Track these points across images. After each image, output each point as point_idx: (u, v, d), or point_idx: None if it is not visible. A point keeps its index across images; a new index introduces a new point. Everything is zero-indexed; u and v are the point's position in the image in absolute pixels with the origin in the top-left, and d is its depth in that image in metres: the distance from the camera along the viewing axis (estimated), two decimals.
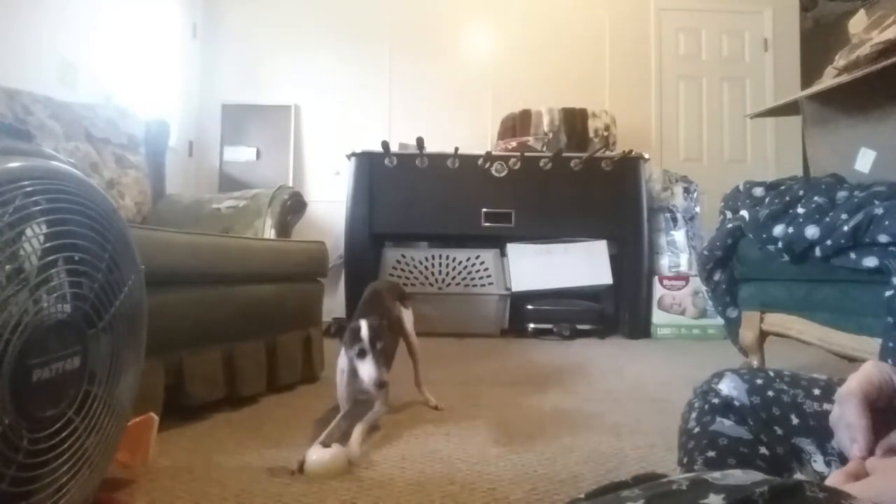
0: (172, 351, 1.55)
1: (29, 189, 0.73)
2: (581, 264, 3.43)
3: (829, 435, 0.57)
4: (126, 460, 1.11)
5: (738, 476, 0.35)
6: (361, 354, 1.36)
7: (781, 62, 4.44)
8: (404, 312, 1.82)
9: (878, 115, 1.84)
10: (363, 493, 1.13)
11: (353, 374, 1.43)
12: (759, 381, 0.72)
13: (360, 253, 3.39)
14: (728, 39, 4.48)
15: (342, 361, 1.49)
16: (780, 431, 0.68)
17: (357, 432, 1.37)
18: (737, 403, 0.71)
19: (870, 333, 1.48)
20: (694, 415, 0.75)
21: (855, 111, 1.93)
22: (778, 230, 1.67)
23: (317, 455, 1.22)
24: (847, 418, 0.50)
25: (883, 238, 1.38)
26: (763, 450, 0.68)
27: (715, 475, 0.35)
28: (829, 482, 0.44)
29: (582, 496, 0.43)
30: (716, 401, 0.73)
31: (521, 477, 1.21)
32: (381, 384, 1.34)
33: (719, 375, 0.75)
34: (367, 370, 1.35)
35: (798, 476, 0.66)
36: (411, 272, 3.44)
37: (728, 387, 0.73)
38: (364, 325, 1.38)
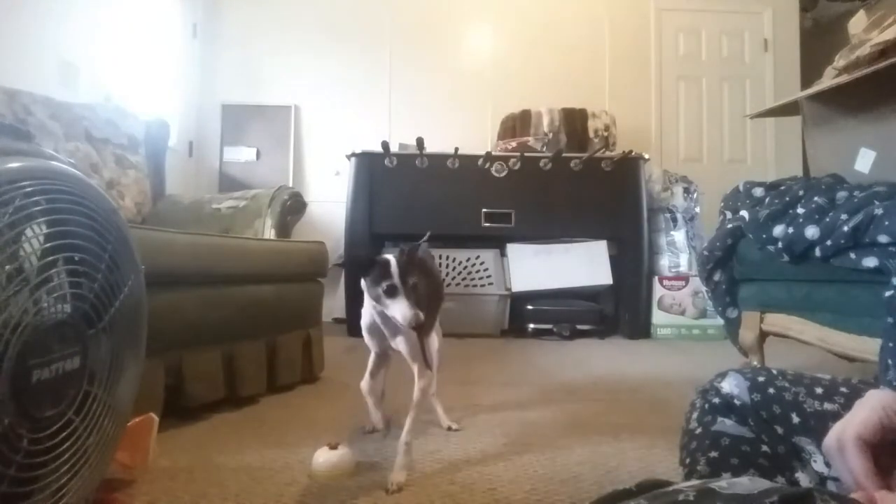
0: (172, 351, 1.55)
1: (29, 189, 0.73)
2: (581, 264, 3.43)
3: None
4: (126, 460, 1.11)
5: (744, 484, 0.34)
6: (391, 292, 1.15)
7: (781, 62, 4.44)
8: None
9: (878, 115, 1.84)
10: (363, 493, 1.13)
11: (378, 325, 1.28)
12: (761, 379, 0.71)
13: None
14: (728, 40, 4.48)
15: (366, 310, 1.31)
16: (780, 430, 0.68)
17: (407, 424, 1.24)
18: (737, 402, 0.71)
19: (870, 333, 1.47)
20: (695, 415, 0.75)
21: (855, 111, 1.93)
22: (778, 230, 1.67)
23: (324, 457, 1.22)
24: (849, 465, 0.46)
25: (883, 238, 1.38)
26: (765, 448, 0.68)
27: (721, 484, 0.35)
28: None
29: None
30: (716, 400, 0.73)
31: (521, 477, 1.21)
32: (417, 320, 1.11)
33: (723, 375, 0.75)
34: (399, 308, 1.14)
35: (798, 475, 0.66)
36: None
37: (730, 384, 0.72)
38: (392, 259, 1.18)
